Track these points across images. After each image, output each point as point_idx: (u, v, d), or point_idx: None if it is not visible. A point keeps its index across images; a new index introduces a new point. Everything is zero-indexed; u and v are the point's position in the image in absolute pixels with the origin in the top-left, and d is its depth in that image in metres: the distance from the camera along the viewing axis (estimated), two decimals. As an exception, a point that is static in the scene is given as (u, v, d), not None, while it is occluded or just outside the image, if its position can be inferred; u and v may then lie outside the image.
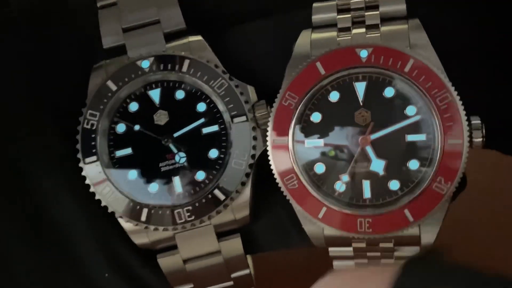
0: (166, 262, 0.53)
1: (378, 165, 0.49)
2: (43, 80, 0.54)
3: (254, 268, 0.57)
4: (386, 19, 0.50)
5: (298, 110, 0.50)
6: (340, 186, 0.49)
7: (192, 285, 0.54)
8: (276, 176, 0.50)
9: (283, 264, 0.65)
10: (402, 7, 0.49)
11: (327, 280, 0.42)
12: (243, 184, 0.51)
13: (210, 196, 0.51)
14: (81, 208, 0.53)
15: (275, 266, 0.65)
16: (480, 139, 0.48)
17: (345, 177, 0.49)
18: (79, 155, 0.51)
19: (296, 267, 0.64)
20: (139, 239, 0.52)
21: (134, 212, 0.51)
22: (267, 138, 0.50)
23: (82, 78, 0.53)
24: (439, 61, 0.49)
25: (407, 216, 0.48)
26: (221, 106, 0.51)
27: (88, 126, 0.52)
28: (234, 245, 0.53)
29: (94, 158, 0.51)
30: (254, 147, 0.51)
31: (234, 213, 0.52)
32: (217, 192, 0.51)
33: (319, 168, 0.50)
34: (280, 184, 0.50)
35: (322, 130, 0.50)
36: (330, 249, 0.52)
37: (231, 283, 0.54)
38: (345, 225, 0.49)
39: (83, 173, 0.52)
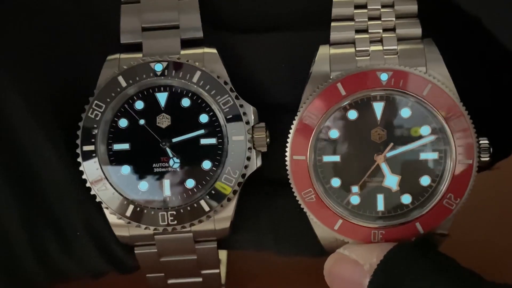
0: (142, 255, 0.55)
1: (392, 181, 0.52)
2: (55, 66, 0.54)
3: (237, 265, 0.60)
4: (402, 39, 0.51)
5: (317, 128, 0.51)
6: (355, 199, 0.52)
7: (163, 274, 0.56)
8: (294, 190, 0.52)
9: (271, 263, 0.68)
10: (418, 31, 0.51)
11: (347, 246, 0.50)
12: (229, 200, 0.53)
13: (195, 205, 0.53)
14: (68, 174, 0.54)
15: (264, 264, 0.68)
16: (487, 159, 0.51)
17: (360, 191, 0.52)
18: (78, 141, 0.52)
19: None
20: (120, 232, 0.54)
21: (120, 206, 0.53)
22: (286, 154, 0.52)
23: (95, 66, 0.53)
24: (451, 81, 0.51)
25: (418, 228, 0.52)
26: (222, 122, 0.52)
27: (92, 116, 0.52)
28: (209, 251, 0.55)
29: (92, 147, 0.52)
30: (246, 167, 0.52)
31: (215, 224, 0.54)
32: (203, 202, 0.53)
33: (335, 182, 0.52)
34: (298, 198, 0.52)
35: (339, 146, 0.52)
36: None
37: (200, 279, 0.57)
38: (360, 236, 0.52)
39: (79, 160, 0.52)
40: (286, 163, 0.52)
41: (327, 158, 0.52)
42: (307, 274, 0.58)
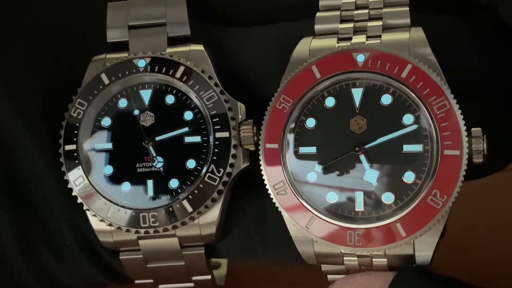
0: (128, 260, 0.53)
1: (371, 176, 0.47)
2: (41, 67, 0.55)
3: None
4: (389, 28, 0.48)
5: (292, 114, 0.48)
6: (331, 196, 0.47)
7: (152, 281, 0.54)
8: (266, 182, 0.48)
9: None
10: (406, 21, 0.48)
11: (338, 284, 0.46)
12: (214, 200, 0.50)
13: (178, 205, 0.50)
14: (53, 175, 0.53)
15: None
16: (481, 152, 0.44)
17: (337, 187, 0.47)
18: (61, 141, 0.52)
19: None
20: (104, 238, 0.52)
21: (101, 207, 0.51)
22: (259, 142, 0.49)
23: (83, 67, 0.53)
24: (440, 69, 0.46)
25: (399, 231, 0.45)
26: (206, 118, 0.50)
27: (75, 114, 0.52)
28: (197, 258, 0.52)
29: (73, 146, 0.51)
30: (231, 165, 0.49)
31: (200, 229, 0.51)
32: (185, 203, 0.50)
33: (311, 177, 0.48)
34: (270, 191, 0.48)
35: (316, 136, 0.48)
36: (323, 265, 0.49)
37: (191, 284, 0.54)
38: (334, 237, 0.46)
39: (61, 159, 0.52)
40: (259, 152, 0.48)
41: (304, 150, 0.48)
42: (308, 276, 0.53)
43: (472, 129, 0.45)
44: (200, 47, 0.52)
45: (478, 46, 0.49)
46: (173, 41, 0.53)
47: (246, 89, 0.53)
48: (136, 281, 0.55)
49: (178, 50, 0.52)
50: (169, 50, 0.52)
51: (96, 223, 0.52)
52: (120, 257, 0.53)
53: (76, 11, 0.55)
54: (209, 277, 0.54)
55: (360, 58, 0.47)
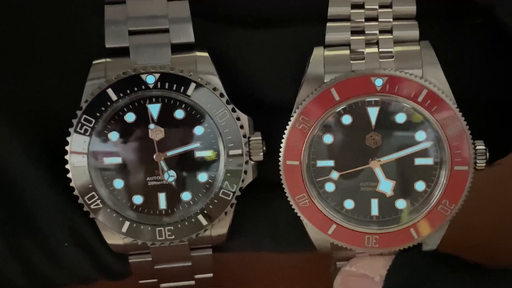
0: (137, 264, 0.54)
1: (386, 186, 0.51)
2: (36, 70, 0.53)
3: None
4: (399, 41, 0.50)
5: (310, 132, 0.50)
6: (349, 203, 0.52)
7: (155, 280, 0.56)
8: (288, 195, 0.51)
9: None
10: (415, 33, 0.50)
11: (352, 262, 0.52)
12: (226, 214, 0.52)
13: (193, 220, 0.52)
14: (50, 180, 0.53)
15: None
16: (484, 165, 0.50)
17: (354, 196, 0.51)
18: (67, 157, 0.50)
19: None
20: (113, 241, 0.53)
21: (115, 222, 0.51)
22: (280, 159, 0.51)
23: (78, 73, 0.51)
24: (448, 86, 0.50)
25: (412, 233, 0.51)
26: (218, 135, 0.51)
27: (81, 130, 0.50)
28: (204, 258, 0.55)
29: (83, 162, 0.50)
30: (243, 181, 0.51)
31: (211, 231, 0.53)
32: (201, 217, 0.52)
33: (329, 187, 0.52)
34: (292, 203, 0.51)
35: (333, 151, 0.51)
36: (335, 253, 0.55)
37: (192, 282, 0.56)
38: (353, 240, 0.52)
39: (69, 175, 0.51)
40: (280, 168, 0.51)
41: (321, 163, 0.51)
42: (307, 274, 0.58)
43: (476, 142, 0.50)
44: (205, 54, 0.51)
45: (474, 50, 0.53)
46: (177, 47, 0.51)
47: (248, 92, 0.53)
48: (140, 281, 0.56)
49: (183, 56, 0.51)
50: (174, 56, 0.51)
51: (106, 231, 0.52)
52: (130, 261, 0.54)
53: (69, 17, 0.52)
54: (211, 275, 0.56)
55: (378, 82, 0.49)
